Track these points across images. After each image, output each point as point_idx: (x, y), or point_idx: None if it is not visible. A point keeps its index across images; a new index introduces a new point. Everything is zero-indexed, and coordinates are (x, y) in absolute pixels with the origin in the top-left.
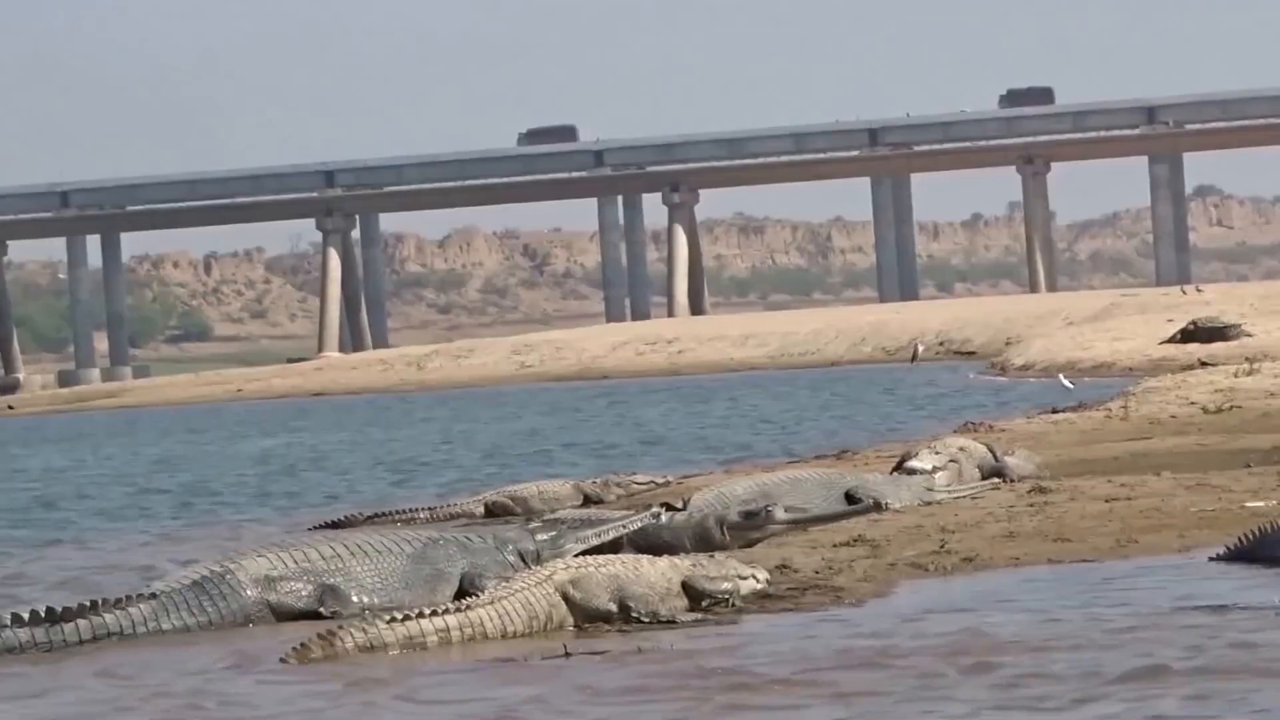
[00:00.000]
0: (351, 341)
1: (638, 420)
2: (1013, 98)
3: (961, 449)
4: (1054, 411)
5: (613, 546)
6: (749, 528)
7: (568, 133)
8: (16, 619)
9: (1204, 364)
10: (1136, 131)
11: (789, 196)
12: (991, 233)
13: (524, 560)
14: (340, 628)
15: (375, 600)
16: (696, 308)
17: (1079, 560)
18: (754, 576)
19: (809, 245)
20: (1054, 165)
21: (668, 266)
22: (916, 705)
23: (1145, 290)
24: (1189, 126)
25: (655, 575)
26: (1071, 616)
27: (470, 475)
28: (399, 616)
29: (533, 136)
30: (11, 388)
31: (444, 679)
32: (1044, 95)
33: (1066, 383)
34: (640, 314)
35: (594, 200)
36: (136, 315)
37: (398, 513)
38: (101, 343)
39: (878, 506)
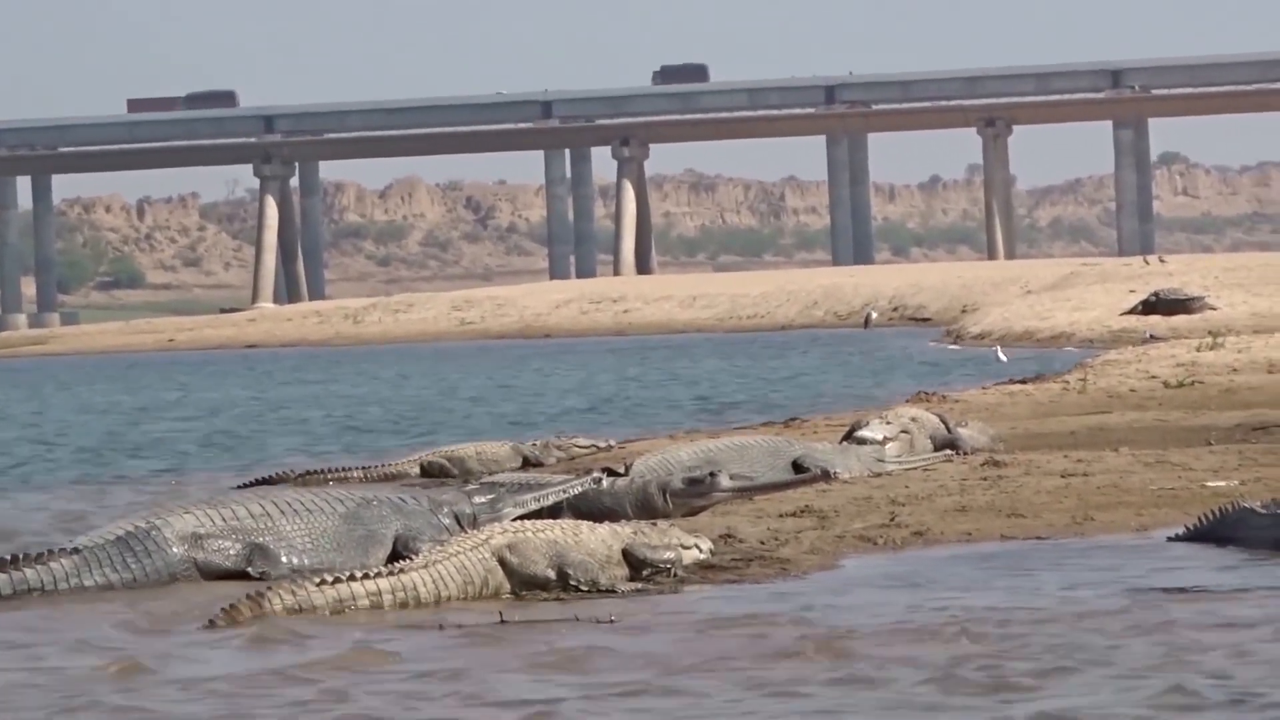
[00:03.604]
0: (287, 293)
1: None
2: (665, 75)
3: (913, 419)
4: (1010, 382)
5: (552, 512)
6: (693, 495)
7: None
8: None
9: (1154, 338)
10: (1101, 95)
11: (742, 154)
12: (950, 196)
13: (460, 524)
14: (269, 589)
15: (305, 561)
16: (643, 267)
17: (1033, 537)
18: (697, 546)
19: (761, 205)
20: (1015, 128)
21: (615, 223)
22: (841, 691)
23: (1106, 260)
24: (1155, 91)
25: (595, 542)
26: (1023, 600)
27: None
28: (329, 579)
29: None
30: None
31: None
32: (698, 73)
33: (1001, 355)
34: (586, 271)
35: (540, 153)
36: (66, 260)
37: (330, 471)
38: (29, 288)
39: (826, 476)
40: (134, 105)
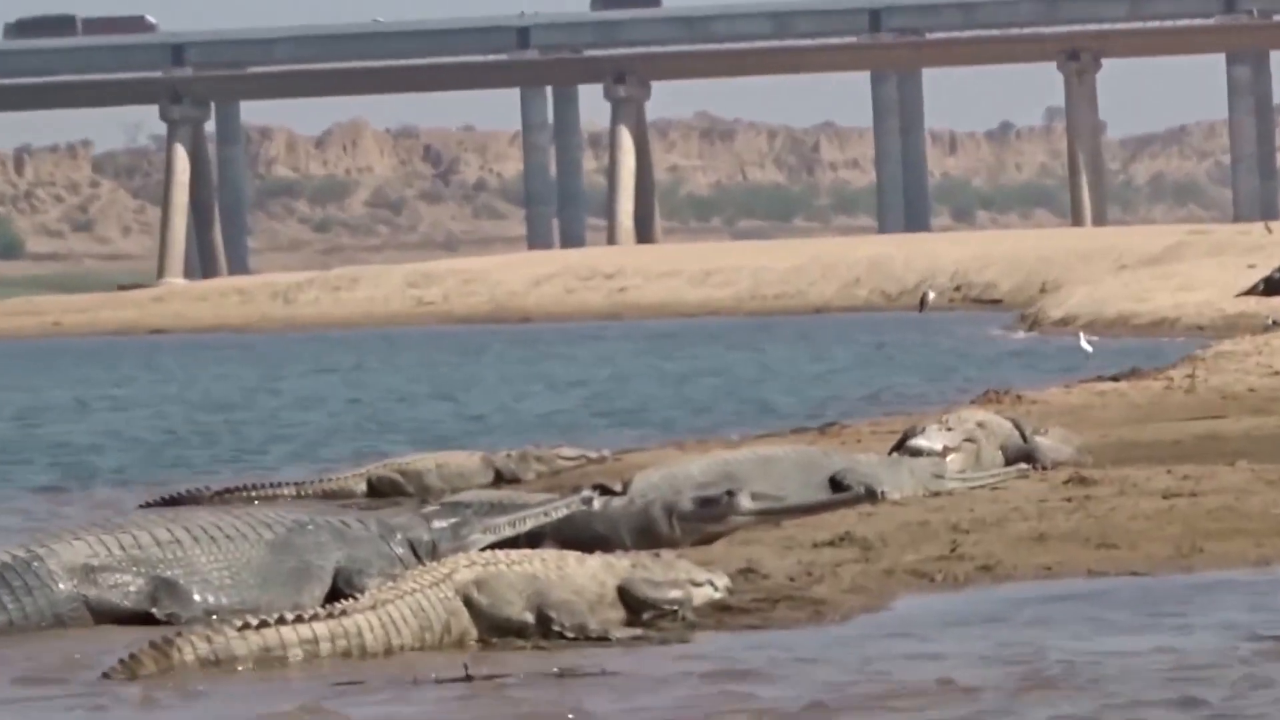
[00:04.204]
0: (201, 265)
1: None
2: None
3: (980, 425)
4: (1100, 379)
5: (531, 539)
6: (706, 519)
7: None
8: None
9: (1278, 325)
10: (1211, 21)
11: (766, 94)
12: (1024, 147)
13: (416, 554)
14: (179, 635)
15: (223, 600)
16: (645, 233)
17: (1127, 572)
18: (711, 583)
19: (790, 157)
20: (1105, 62)
21: (609, 179)
22: None
23: (1220, 227)
24: (1278, 17)
25: (584, 578)
26: (1109, 646)
27: None
28: (253, 623)
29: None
30: None
31: None
32: None
33: (1085, 344)
34: (573, 239)
35: (516, 91)
36: None
37: (255, 488)
38: None
39: (871, 496)
40: (12, 31)
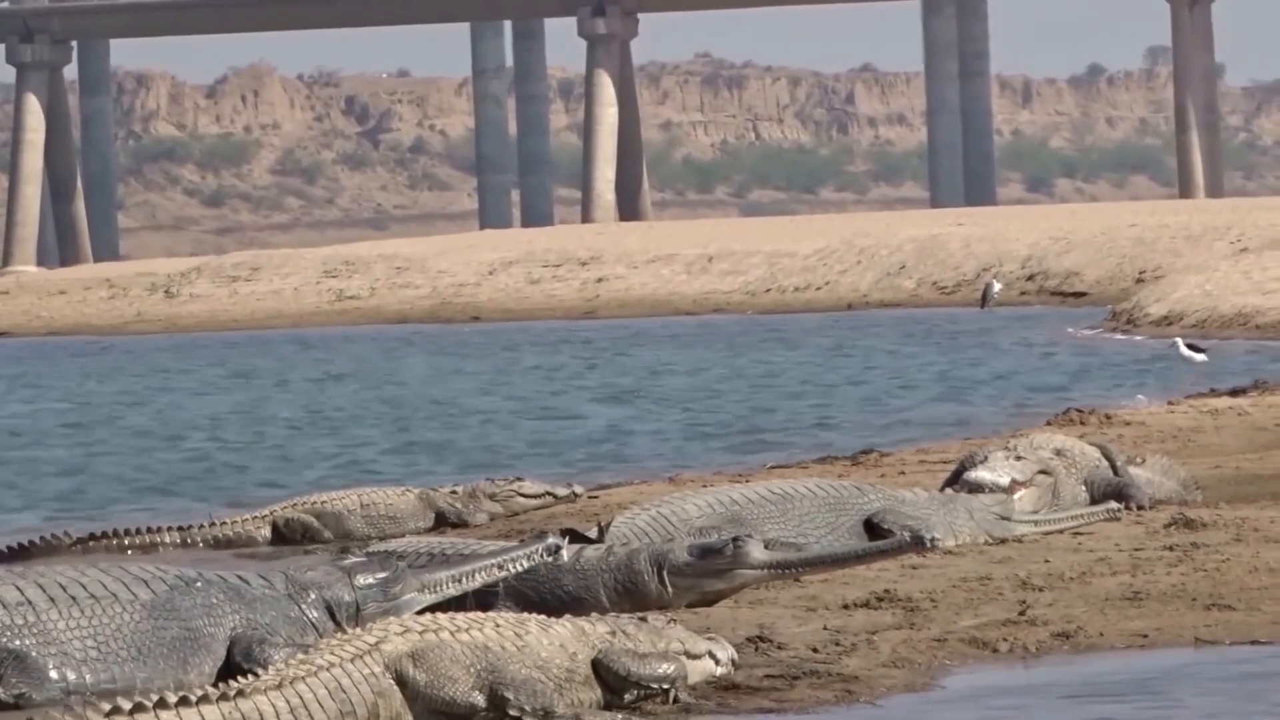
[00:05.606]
0: (59, 249)
1: None
2: None
3: (1058, 453)
4: (1214, 394)
5: (481, 599)
6: (706, 573)
7: None
8: None
9: None
10: None
11: (785, 31)
12: (1119, 97)
13: (334, 618)
14: None
15: (87, 677)
16: (630, 208)
17: (1246, 641)
18: (711, 654)
19: (817, 110)
20: None
21: (584, 139)
22: None
23: None
24: None
25: (550, 648)
26: None
27: None
28: (125, 706)
29: None
30: None
31: None
32: None
33: (1187, 350)
34: (538, 216)
35: (465, 26)
36: None
37: (127, 534)
38: None
39: (919, 543)
40: None
